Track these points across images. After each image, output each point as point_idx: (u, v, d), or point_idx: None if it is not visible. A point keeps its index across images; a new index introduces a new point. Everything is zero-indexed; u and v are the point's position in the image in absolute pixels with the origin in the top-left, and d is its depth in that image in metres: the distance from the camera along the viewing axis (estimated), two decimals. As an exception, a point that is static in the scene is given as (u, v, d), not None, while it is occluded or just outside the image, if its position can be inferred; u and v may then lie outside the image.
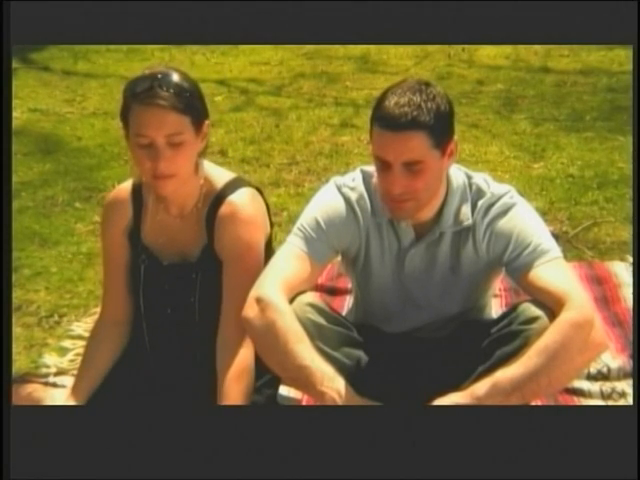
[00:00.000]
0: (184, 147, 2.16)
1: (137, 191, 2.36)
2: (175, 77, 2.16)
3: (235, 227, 2.24)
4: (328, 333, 2.11)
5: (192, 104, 2.17)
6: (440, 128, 2.07)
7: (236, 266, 2.24)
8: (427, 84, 2.11)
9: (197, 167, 2.26)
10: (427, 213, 2.20)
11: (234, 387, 2.16)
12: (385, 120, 2.05)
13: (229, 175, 2.34)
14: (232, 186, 2.29)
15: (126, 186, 2.40)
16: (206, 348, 2.26)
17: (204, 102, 2.24)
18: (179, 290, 2.31)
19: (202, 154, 2.27)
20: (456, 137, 2.15)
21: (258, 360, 2.17)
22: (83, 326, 3.11)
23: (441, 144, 2.08)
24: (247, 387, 2.19)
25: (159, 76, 2.15)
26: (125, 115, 2.18)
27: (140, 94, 2.13)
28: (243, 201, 2.26)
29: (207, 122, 2.24)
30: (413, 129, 2.03)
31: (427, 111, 2.04)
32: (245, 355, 2.19)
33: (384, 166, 2.09)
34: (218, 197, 2.27)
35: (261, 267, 2.21)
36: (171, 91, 2.13)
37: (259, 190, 2.36)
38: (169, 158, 2.13)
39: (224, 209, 2.25)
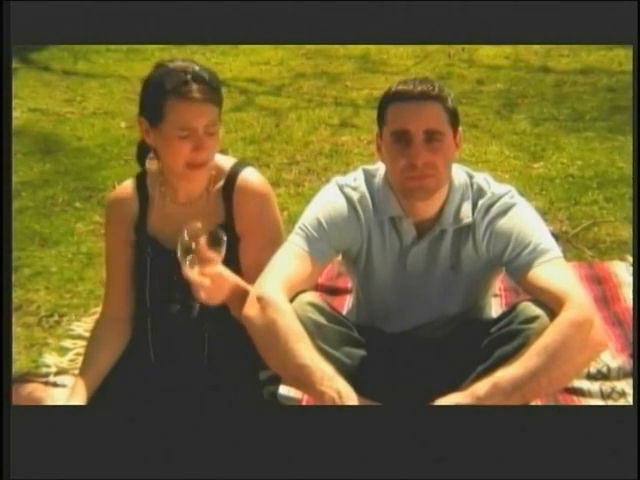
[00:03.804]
0: (216, 136, 2.26)
1: (141, 187, 2.38)
2: (199, 70, 2.25)
3: (254, 198, 2.33)
4: (328, 332, 2.11)
5: (218, 95, 2.27)
6: (452, 109, 2.17)
7: (261, 235, 2.30)
8: (431, 79, 2.22)
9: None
10: (430, 210, 2.21)
11: None
12: (404, 94, 2.14)
13: (232, 159, 2.44)
14: (240, 165, 2.38)
15: (129, 184, 2.42)
16: (214, 335, 2.28)
17: (221, 89, 2.32)
18: None
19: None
20: (461, 129, 2.22)
21: (260, 357, 2.18)
22: (83, 326, 3.12)
23: (454, 125, 2.17)
24: None
25: (188, 69, 2.23)
26: (158, 110, 2.22)
27: (176, 88, 2.20)
28: (256, 175, 2.37)
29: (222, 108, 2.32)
30: (432, 99, 2.14)
31: (441, 89, 2.17)
32: None
33: (404, 139, 2.12)
34: (231, 174, 2.35)
35: (281, 236, 2.31)
36: (203, 85, 2.22)
37: None
38: (208, 147, 2.23)
39: (240, 183, 2.33)
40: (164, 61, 2.30)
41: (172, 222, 2.35)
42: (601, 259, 3.53)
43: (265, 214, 2.34)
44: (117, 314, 2.39)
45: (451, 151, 2.18)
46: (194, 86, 2.20)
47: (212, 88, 2.24)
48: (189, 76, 2.21)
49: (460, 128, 2.21)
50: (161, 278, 2.34)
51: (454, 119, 2.17)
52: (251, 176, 2.35)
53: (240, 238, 2.32)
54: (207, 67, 2.30)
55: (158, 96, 2.22)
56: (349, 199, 2.24)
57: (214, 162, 2.34)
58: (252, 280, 2.19)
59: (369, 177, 2.27)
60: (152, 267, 2.36)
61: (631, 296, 3.06)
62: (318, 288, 2.60)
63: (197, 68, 2.25)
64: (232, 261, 2.31)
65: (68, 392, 2.28)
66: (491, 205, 2.21)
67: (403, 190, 2.18)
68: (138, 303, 2.39)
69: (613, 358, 2.74)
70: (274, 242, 2.27)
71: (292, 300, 2.10)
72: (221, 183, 2.34)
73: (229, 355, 2.30)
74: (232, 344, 2.27)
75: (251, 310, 2.08)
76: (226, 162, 2.38)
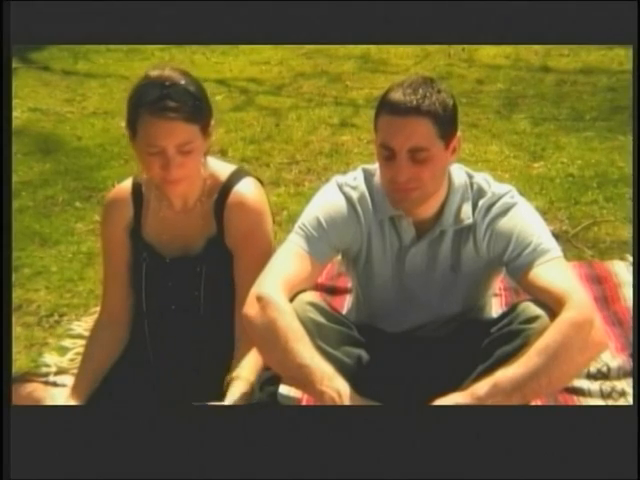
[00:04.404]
0: (194, 153, 2.18)
1: (137, 189, 2.37)
2: (183, 84, 2.16)
3: (245, 215, 2.27)
4: (328, 332, 2.11)
5: (200, 111, 2.18)
6: (445, 119, 2.09)
7: (250, 254, 2.26)
8: (432, 79, 2.15)
9: (202, 163, 2.28)
10: (429, 210, 2.20)
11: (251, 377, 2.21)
12: (392, 106, 2.07)
13: (231, 166, 2.38)
14: (236, 176, 2.32)
15: (126, 185, 2.41)
16: (211, 342, 2.27)
17: (209, 103, 2.25)
18: (183, 285, 2.32)
19: (207, 152, 2.29)
20: (459, 133, 2.17)
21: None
22: (83, 325, 3.12)
23: (446, 136, 2.10)
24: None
25: (167, 84, 2.14)
26: (133, 122, 2.18)
27: (149, 104, 2.13)
28: (250, 190, 2.30)
29: (212, 122, 2.25)
30: (419, 115, 2.06)
31: (433, 100, 2.07)
32: None
33: (390, 155, 2.09)
34: (224, 188, 2.30)
35: (272, 254, 2.22)
36: (181, 102, 2.12)
37: (259, 181, 2.40)
38: (180, 164, 2.16)
39: (232, 199, 2.28)
40: (152, 69, 2.22)
41: (168, 228, 2.33)
42: (601, 259, 3.53)
43: (256, 232, 2.29)
44: (115, 315, 2.39)
45: (440, 162, 2.12)
46: (169, 103, 2.11)
47: (193, 104, 2.15)
48: (164, 92, 2.12)
49: (458, 133, 2.16)
50: (156, 284, 2.34)
51: (448, 128, 2.10)
52: (245, 191, 2.29)
53: (227, 253, 2.30)
54: (192, 78, 2.21)
55: (134, 109, 2.17)
56: (349, 198, 2.24)
57: (209, 171, 2.30)
58: (243, 295, 2.15)
59: (369, 176, 2.27)
60: (147, 272, 2.34)
61: (631, 296, 3.06)
62: (318, 288, 2.60)
63: (183, 82, 2.16)
64: (226, 274, 2.30)
65: (67, 392, 2.28)
66: (491, 205, 2.21)
67: (390, 200, 2.18)
68: (135, 306, 2.39)
69: (613, 358, 2.74)
70: (264, 259, 2.19)
71: (292, 300, 2.10)
72: (214, 197, 2.29)
73: (228, 356, 2.30)
74: (231, 345, 2.27)
75: (251, 310, 2.08)
76: (223, 171, 2.33)
